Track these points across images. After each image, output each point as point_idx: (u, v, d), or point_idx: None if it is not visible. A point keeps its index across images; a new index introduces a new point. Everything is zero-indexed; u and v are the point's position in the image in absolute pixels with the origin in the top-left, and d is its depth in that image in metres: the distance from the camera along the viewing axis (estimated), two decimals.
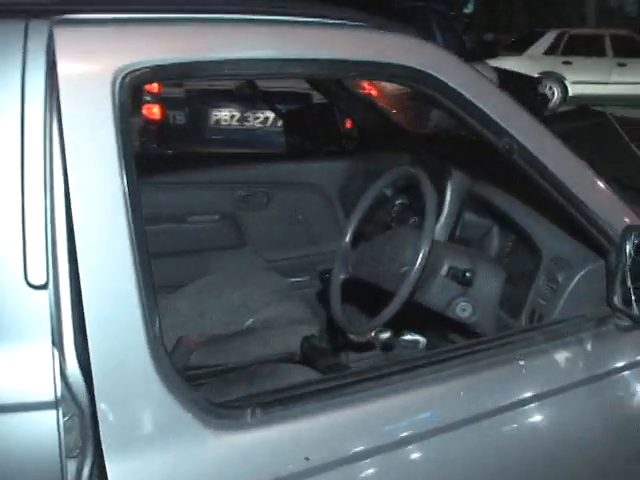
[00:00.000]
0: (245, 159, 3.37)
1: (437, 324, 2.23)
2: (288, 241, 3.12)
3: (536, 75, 11.80)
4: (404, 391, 1.51)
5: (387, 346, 2.14)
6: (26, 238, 1.21)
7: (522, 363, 1.62)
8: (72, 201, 1.19)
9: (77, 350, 1.23)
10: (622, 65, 14.15)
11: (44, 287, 1.22)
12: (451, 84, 1.55)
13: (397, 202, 2.52)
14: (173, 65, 1.29)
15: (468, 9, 20.55)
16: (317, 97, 4.91)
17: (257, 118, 5.18)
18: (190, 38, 1.34)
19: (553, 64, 13.91)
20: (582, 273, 1.87)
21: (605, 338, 1.72)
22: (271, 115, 5.11)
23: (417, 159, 2.67)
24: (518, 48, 14.31)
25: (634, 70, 13.99)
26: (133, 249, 1.23)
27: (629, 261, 1.66)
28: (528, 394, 1.61)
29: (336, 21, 1.58)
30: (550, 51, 14.27)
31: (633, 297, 1.66)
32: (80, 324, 1.22)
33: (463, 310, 2.11)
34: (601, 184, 1.70)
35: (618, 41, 14.51)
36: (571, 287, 1.89)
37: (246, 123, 5.20)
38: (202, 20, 1.41)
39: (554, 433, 1.64)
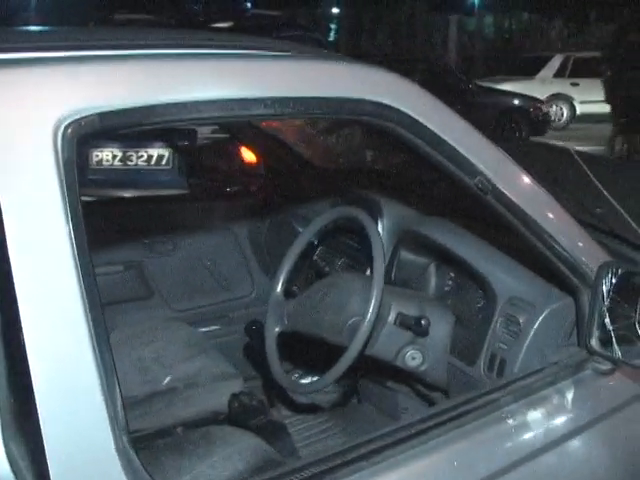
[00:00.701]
0: (145, 203, 3.12)
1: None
2: (197, 288, 2.90)
3: (546, 96, 13.63)
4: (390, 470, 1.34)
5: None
6: None
7: (510, 422, 1.49)
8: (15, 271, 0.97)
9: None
10: None
11: None
12: (422, 120, 1.41)
13: (326, 245, 2.35)
14: (125, 111, 1.08)
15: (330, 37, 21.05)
16: (202, 132, 4.71)
17: (141, 157, 4.90)
18: (143, 78, 1.13)
19: (562, 86, 15.03)
20: (545, 313, 1.78)
21: (585, 385, 1.62)
22: (155, 153, 4.84)
23: (335, 197, 2.52)
24: (527, 72, 15.24)
25: None
26: (87, 320, 1.02)
27: (607, 301, 1.57)
28: (520, 455, 1.48)
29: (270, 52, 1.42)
30: (559, 74, 15.30)
31: (614, 339, 1.56)
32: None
33: (413, 359, 1.98)
34: (572, 222, 1.61)
35: None
36: (535, 328, 1.78)
37: (129, 162, 4.91)
38: (154, 56, 1.20)
39: None
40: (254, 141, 3.03)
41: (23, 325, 0.96)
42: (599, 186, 1.59)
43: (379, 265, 1.84)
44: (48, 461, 0.97)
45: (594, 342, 1.59)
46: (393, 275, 2.32)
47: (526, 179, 1.54)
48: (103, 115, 1.05)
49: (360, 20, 21.78)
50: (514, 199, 1.51)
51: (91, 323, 1.01)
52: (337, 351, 1.92)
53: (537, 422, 1.52)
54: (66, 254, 1.00)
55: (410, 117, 1.39)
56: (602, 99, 13.00)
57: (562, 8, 20.34)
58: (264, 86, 1.23)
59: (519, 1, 21.88)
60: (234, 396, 2.24)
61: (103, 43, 1.24)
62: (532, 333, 1.78)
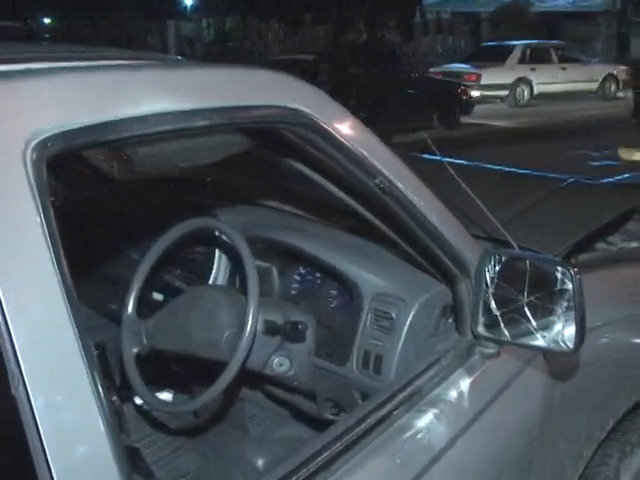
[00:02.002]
0: None
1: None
2: None
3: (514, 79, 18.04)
4: None
5: None
6: None
7: (414, 428, 1.53)
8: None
9: None
10: (564, 69, 19.25)
11: None
12: (328, 125, 1.39)
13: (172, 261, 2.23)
14: (89, 128, 0.95)
15: None
16: None
17: None
18: (104, 91, 1.00)
19: (524, 71, 18.61)
20: (417, 306, 1.83)
21: (475, 370, 1.70)
22: None
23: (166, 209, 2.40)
24: (498, 59, 18.52)
25: (571, 72, 19.30)
26: (82, 354, 0.90)
27: (491, 287, 1.65)
28: (428, 457, 1.53)
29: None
30: (521, 61, 18.78)
31: (502, 322, 1.65)
32: None
33: (280, 365, 1.95)
34: (453, 218, 1.68)
35: (559, 51, 19.75)
36: (409, 321, 1.83)
37: None
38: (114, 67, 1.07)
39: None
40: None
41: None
42: (471, 194, 1.67)
43: (252, 274, 1.79)
44: None
45: (480, 328, 1.67)
46: (237, 283, 2.26)
47: (416, 179, 1.58)
48: (67, 134, 0.92)
49: (75, 27, 20.95)
50: (409, 197, 1.54)
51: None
52: (210, 366, 1.85)
53: (438, 421, 1.57)
54: (49, 280, 0.89)
55: (317, 122, 1.37)
56: (551, 81, 18.61)
57: (277, 10, 21.16)
58: (204, 96, 1.15)
59: (234, 4, 22.37)
60: None
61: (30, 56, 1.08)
62: (407, 326, 1.83)
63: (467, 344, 1.71)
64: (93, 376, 0.91)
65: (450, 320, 1.87)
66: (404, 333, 1.83)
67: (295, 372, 1.97)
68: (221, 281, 2.27)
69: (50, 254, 0.89)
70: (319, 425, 2.35)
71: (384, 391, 1.62)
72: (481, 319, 1.67)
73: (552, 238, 2.17)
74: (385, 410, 1.52)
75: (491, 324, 1.67)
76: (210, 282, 2.27)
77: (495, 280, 1.65)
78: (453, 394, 1.63)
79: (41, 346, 0.88)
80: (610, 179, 3.17)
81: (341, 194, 1.63)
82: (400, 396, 1.56)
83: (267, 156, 2.15)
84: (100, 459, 0.90)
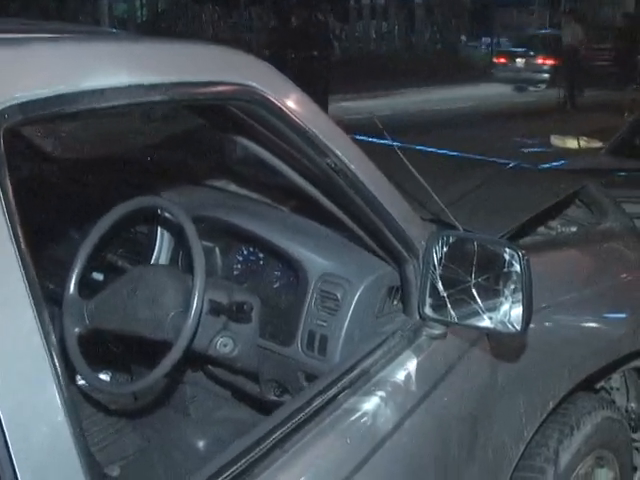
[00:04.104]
0: None
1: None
2: None
3: None
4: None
5: None
6: None
7: (360, 410, 1.54)
8: None
9: None
10: None
11: None
12: (281, 103, 1.38)
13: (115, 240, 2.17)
14: (46, 100, 0.92)
15: None
16: None
17: None
18: (63, 62, 0.96)
19: None
20: (362, 287, 1.83)
21: (423, 351, 1.71)
22: None
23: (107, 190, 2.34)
24: None
25: None
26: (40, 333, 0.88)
27: (439, 269, 1.66)
28: (375, 441, 1.54)
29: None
30: None
31: (449, 304, 1.66)
32: None
33: (224, 346, 1.93)
34: (402, 199, 1.68)
35: None
36: (354, 302, 1.83)
37: None
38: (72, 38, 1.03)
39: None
40: None
41: None
42: (418, 176, 1.68)
43: (198, 253, 1.77)
44: None
45: (427, 309, 1.68)
46: (180, 262, 2.23)
47: (366, 159, 1.58)
48: (25, 105, 0.88)
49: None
50: (360, 177, 1.54)
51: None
52: (152, 347, 1.82)
53: (385, 403, 1.58)
54: (7, 258, 0.86)
55: (270, 99, 1.35)
56: None
57: None
58: (162, 71, 1.12)
59: None
60: None
61: None
62: (352, 307, 1.82)
63: (414, 325, 1.72)
64: (52, 355, 0.88)
65: (396, 302, 1.88)
66: (349, 314, 1.83)
67: (239, 353, 1.96)
68: (163, 260, 2.24)
69: (8, 231, 0.85)
70: (261, 406, 2.35)
71: (331, 373, 1.62)
72: (428, 300, 1.68)
73: (494, 221, 2.19)
74: (332, 392, 1.52)
75: (438, 305, 1.68)
76: (152, 262, 2.23)
77: (443, 261, 1.66)
78: (400, 376, 1.64)
79: None
80: (547, 165, 3.23)
81: (290, 174, 1.62)
82: (347, 378, 1.56)
83: (212, 135, 2.13)
84: (59, 439, 0.88)
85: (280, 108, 1.36)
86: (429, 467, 1.69)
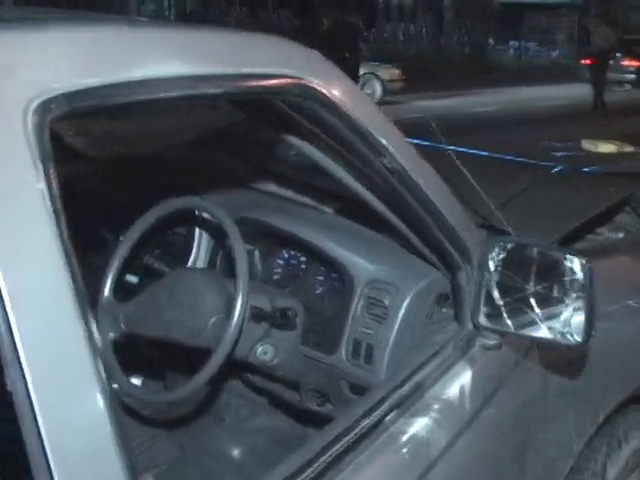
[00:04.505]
0: None
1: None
2: None
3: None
4: None
5: None
6: None
7: (421, 422, 1.46)
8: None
9: None
10: None
11: None
12: (339, 100, 1.30)
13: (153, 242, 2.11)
14: (94, 91, 0.85)
15: None
16: None
17: None
18: (115, 51, 0.89)
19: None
20: (412, 294, 1.75)
21: (476, 362, 1.63)
22: None
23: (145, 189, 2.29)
24: None
25: None
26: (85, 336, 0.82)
27: (495, 275, 1.58)
28: (434, 452, 1.45)
29: None
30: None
31: (505, 313, 1.58)
32: None
33: (265, 353, 1.85)
34: (457, 203, 1.60)
35: None
36: (403, 310, 1.75)
37: None
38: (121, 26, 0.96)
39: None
40: None
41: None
42: (472, 181, 1.60)
43: (241, 257, 1.70)
44: None
45: (482, 318, 1.60)
46: (218, 266, 2.16)
47: (421, 160, 1.50)
48: (72, 95, 0.81)
49: None
50: (416, 179, 1.46)
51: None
52: (191, 353, 1.76)
53: (440, 418, 1.50)
54: (51, 254, 0.80)
55: (326, 94, 1.28)
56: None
57: None
58: (216, 62, 1.05)
59: None
60: None
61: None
62: (401, 314, 1.74)
63: (467, 335, 1.64)
64: (95, 359, 0.81)
65: (445, 309, 1.80)
66: (397, 322, 1.75)
67: (280, 361, 1.88)
68: (201, 263, 2.17)
69: (52, 226, 0.79)
70: (299, 415, 2.27)
71: (382, 386, 1.53)
72: (483, 309, 1.60)
73: (545, 226, 2.11)
74: (384, 408, 1.43)
75: (493, 314, 1.59)
76: (189, 264, 2.16)
77: (499, 269, 1.58)
78: (454, 390, 1.56)
79: (42, 330, 0.78)
80: (590, 168, 3.14)
81: (339, 173, 1.54)
82: (399, 392, 1.48)
83: (252, 133, 2.06)
84: (101, 445, 0.81)
85: (335, 104, 1.28)
86: None
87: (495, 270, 1.58)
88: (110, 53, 0.90)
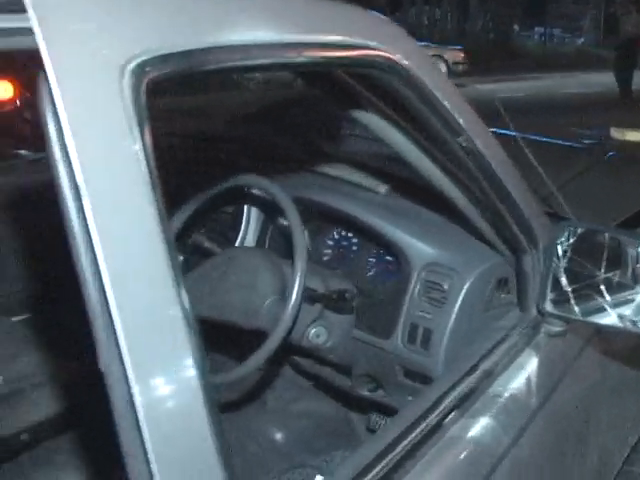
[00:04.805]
0: None
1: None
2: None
3: None
4: None
5: None
6: None
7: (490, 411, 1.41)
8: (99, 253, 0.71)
9: None
10: None
11: None
12: (420, 76, 1.25)
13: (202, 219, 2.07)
14: (189, 54, 0.81)
15: None
16: None
17: None
18: (209, 14, 0.86)
19: None
20: (472, 278, 1.70)
21: (542, 349, 1.58)
22: None
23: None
24: None
25: None
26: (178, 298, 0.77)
27: (563, 261, 1.53)
28: (505, 442, 1.41)
29: None
30: None
31: (572, 299, 1.53)
32: None
33: (317, 336, 1.82)
34: (526, 186, 1.55)
35: None
36: (463, 294, 1.70)
37: None
38: None
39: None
40: None
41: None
42: (537, 166, 1.55)
43: (300, 237, 1.66)
44: None
45: (548, 304, 1.56)
46: (267, 244, 2.13)
47: (495, 143, 1.45)
48: (168, 57, 0.78)
49: None
50: (489, 160, 1.41)
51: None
52: (244, 334, 1.73)
53: (509, 410, 1.45)
54: (146, 213, 0.76)
55: (411, 72, 1.23)
56: None
57: None
58: (310, 30, 1.01)
59: None
60: None
61: None
62: (460, 299, 1.70)
63: (532, 322, 1.59)
64: (190, 328, 0.78)
65: (503, 295, 1.75)
66: (457, 307, 1.70)
67: (333, 344, 1.84)
68: (250, 242, 2.13)
69: (148, 189, 0.75)
70: (344, 400, 2.24)
71: (449, 373, 1.49)
72: (549, 295, 1.55)
73: (603, 211, 2.06)
74: (454, 395, 1.38)
75: (560, 300, 1.55)
76: (237, 243, 2.13)
77: (568, 254, 1.53)
78: (521, 378, 1.50)
79: (138, 298, 0.75)
80: None
81: (409, 152, 1.49)
82: (469, 380, 1.43)
83: (307, 111, 2.01)
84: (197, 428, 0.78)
85: (416, 79, 1.23)
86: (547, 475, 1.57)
87: (563, 256, 1.53)
88: (203, 16, 0.86)
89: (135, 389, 0.71)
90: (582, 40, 21.46)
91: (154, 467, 0.71)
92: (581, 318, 1.53)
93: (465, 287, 1.70)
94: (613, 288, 1.50)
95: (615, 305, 1.50)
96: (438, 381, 1.52)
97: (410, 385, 1.79)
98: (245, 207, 2.14)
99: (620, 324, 1.50)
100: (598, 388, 1.77)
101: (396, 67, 1.19)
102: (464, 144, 1.35)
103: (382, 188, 1.97)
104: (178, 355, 0.78)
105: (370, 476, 1.11)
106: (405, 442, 1.22)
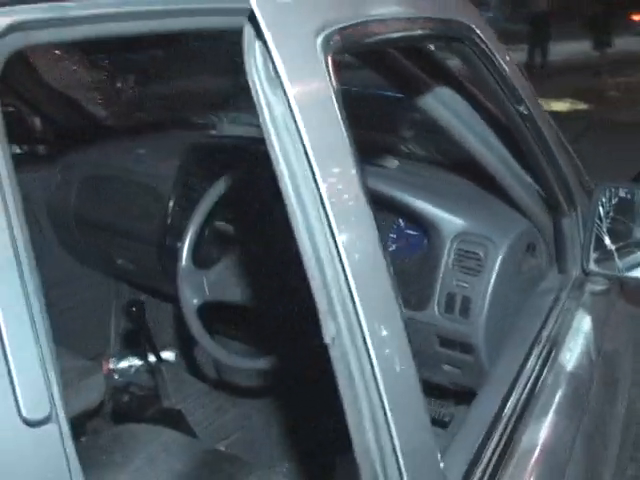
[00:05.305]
0: None
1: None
2: None
3: None
4: None
5: None
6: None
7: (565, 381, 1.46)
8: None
9: None
10: None
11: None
12: (488, 46, 1.28)
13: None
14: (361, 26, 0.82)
15: None
16: None
17: None
18: None
19: None
20: (508, 244, 1.74)
21: (589, 309, 1.64)
22: None
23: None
24: None
25: None
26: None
27: (605, 221, 1.59)
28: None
29: None
30: None
31: (617, 257, 1.59)
32: None
33: None
34: (568, 150, 1.60)
35: None
36: (499, 260, 1.74)
37: None
38: None
39: None
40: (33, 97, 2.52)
41: None
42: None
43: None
44: None
45: (592, 264, 1.61)
46: None
47: (542, 109, 1.49)
48: (345, 30, 0.79)
49: None
50: (541, 126, 1.45)
51: None
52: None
53: (578, 373, 1.50)
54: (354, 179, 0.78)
55: (481, 42, 1.26)
56: None
57: None
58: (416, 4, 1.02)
59: None
60: (121, 389, 2.05)
61: None
62: (497, 265, 1.73)
63: (576, 282, 1.64)
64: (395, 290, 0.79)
65: (532, 259, 1.79)
66: (494, 273, 1.73)
67: None
68: None
69: (350, 157, 0.77)
70: None
71: (514, 343, 1.52)
72: (592, 255, 1.60)
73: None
74: (529, 369, 1.42)
75: (603, 259, 1.61)
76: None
77: (610, 214, 1.59)
78: (580, 343, 1.55)
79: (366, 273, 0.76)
80: None
81: (455, 126, 1.51)
82: (538, 349, 1.47)
83: None
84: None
85: (490, 51, 1.26)
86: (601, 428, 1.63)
87: (606, 216, 1.59)
88: None
89: (374, 360, 0.71)
90: (490, 15, 21.76)
91: (394, 432, 0.72)
92: (627, 274, 1.58)
93: (501, 253, 1.73)
94: None
95: None
96: (505, 354, 1.55)
97: (446, 354, 1.82)
98: None
99: None
100: (627, 343, 1.83)
101: (476, 40, 1.21)
102: (524, 111, 1.38)
103: (392, 163, 1.98)
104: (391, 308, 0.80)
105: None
106: (503, 421, 1.26)
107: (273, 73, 0.68)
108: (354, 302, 0.72)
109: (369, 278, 0.75)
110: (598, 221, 1.59)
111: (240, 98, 2.59)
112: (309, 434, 2.27)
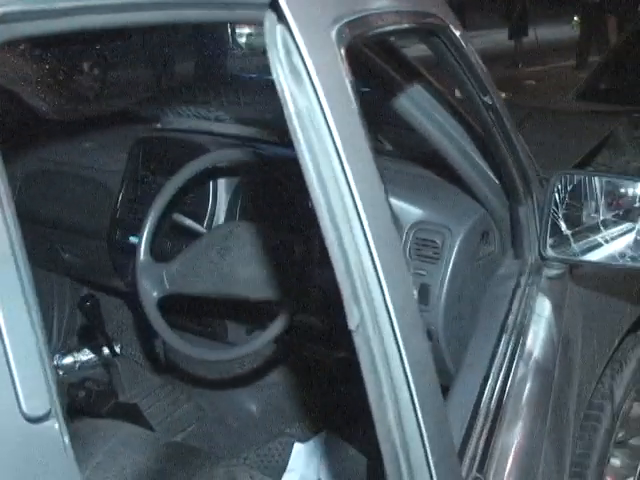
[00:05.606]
0: None
1: None
2: None
3: None
4: None
5: None
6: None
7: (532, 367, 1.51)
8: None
9: None
10: None
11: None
12: (458, 38, 1.31)
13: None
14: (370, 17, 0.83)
15: None
16: None
17: None
18: None
19: None
20: (464, 232, 1.77)
21: (547, 293, 1.68)
22: None
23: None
24: None
25: None
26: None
27: (562, 207, 1.63)
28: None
29: None
30: None
31: (572, 242, 1.63)
32: None
33: None
34: (523, 140, 1.64)
35: None
36: (456, 248, 1.77)
37: None
38: None
39: None
40: None
41: None
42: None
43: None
44: None
45: (549, 249, 1.65)
46: (237, 216, 2.11)
47: (502, 99, 1.53)
48: (360, 20, 0.79)
49: None
50: (503, 116, 1.49)
51: None
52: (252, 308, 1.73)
53: (541, 355, 1.55)
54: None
55: (453, 35, 1.29)
56: None
57: None
58: None
59: None
60: (76, 385, 2.04)
61: None
62: (454, 253, 1.76)
63: (533, 267, 1.68)
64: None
65: (486, 246, 1.83)
66: (452, 261, 1.76)
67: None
68: (222, 217, 2.10)
69: (366, 142, 0.79)
70: (314, 367, 2.27)
71: (486, 330, 1.56)
72: (549, 240, 1.65)
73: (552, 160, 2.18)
74: (499, 359, 1.47)
75: (559, 244, 1.65)
76: (207, 218, 2.09)
77: (566, 200, 1.63)
78: (542, 325, 1.60)
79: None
80: None
81: (412, 116, 1.54)
82: (506, 337, 1.51)
83: None
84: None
85: (460, 44, 1.29)
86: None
87: (561, 202, 1.63)
88: None
89: (402, 345, 0.72)
90: None
91: (420, 414, 0.74)
92: (582, 258, 1.63)
93: (458, 241, 1.76)
94: (611, 229, 1.61)
95: (615, 244, 1.62)
96: (474, 343, 1.58)
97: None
98: (211, 184, 2.10)
99: (621, 262, 1.62)
100: (577, 324, 1.89)
101: (449, 33, 1.24)
102: (489, 102, 1.41)
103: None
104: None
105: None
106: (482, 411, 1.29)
107: (299, 64, 0.68)
108: (381, 287, 0.73)
109: (391, 263, 0.76)
110: (554, 207, 1.63)
111: (182, 91, 2.58)
112: (264, 423, 2.28)
